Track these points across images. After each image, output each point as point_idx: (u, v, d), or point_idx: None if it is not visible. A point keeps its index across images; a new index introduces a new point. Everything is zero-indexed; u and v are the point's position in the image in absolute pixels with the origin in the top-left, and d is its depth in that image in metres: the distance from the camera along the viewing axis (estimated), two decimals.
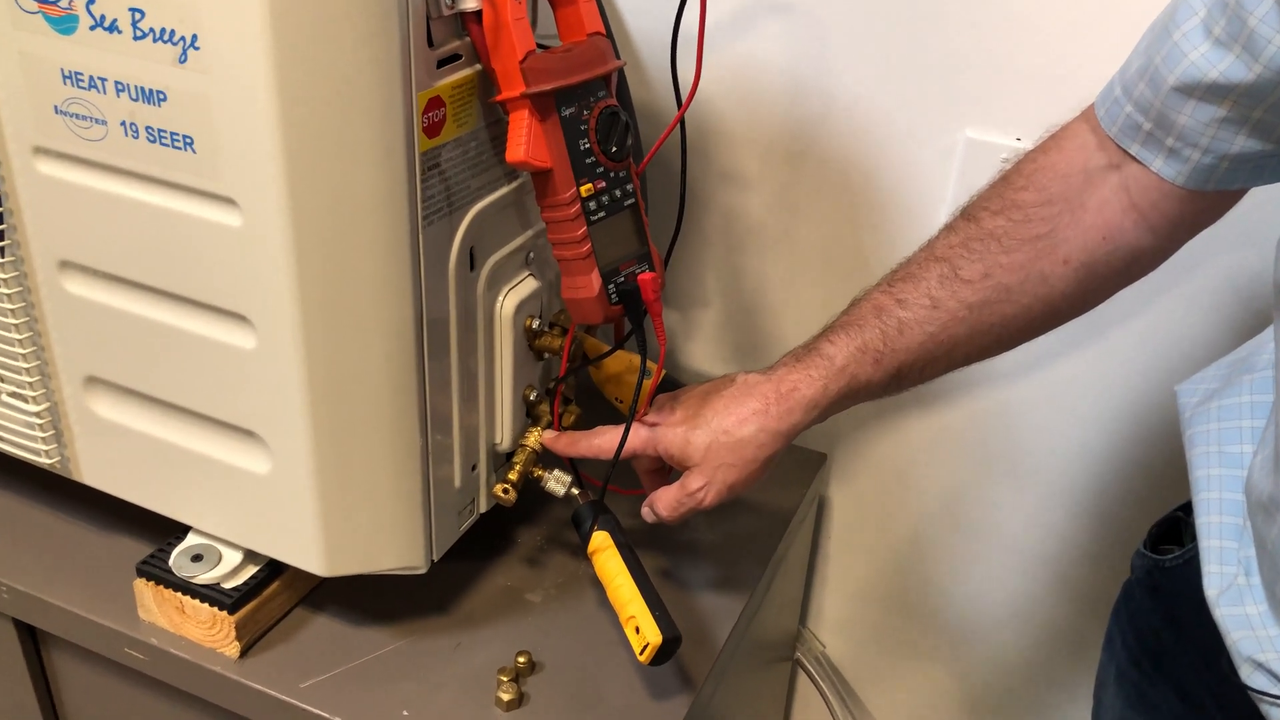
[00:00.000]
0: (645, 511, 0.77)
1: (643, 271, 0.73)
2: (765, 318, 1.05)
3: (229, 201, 0.63)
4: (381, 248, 0.65)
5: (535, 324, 0.80)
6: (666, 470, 0.80)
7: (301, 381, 0.68)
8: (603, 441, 0.77)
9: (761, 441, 0.71)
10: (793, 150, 0.94)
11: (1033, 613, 1.01)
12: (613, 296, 0.72)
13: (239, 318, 0.67)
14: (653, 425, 0.76)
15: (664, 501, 0.75)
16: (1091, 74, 0.77)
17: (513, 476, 0.81)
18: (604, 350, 0.83)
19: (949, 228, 0.68)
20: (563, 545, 0.90)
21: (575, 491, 0.82)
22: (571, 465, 0.83)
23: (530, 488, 0.83)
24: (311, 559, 0.74)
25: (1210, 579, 0.60)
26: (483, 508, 0.82)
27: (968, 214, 0.68)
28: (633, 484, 0.83)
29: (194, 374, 0.71)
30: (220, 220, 0.64)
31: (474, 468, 0.80)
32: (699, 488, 0.73)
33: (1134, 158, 0.61)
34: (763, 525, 0.93)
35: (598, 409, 0.87)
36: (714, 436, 0.72)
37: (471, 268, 0.72)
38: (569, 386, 0.84)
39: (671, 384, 0.89)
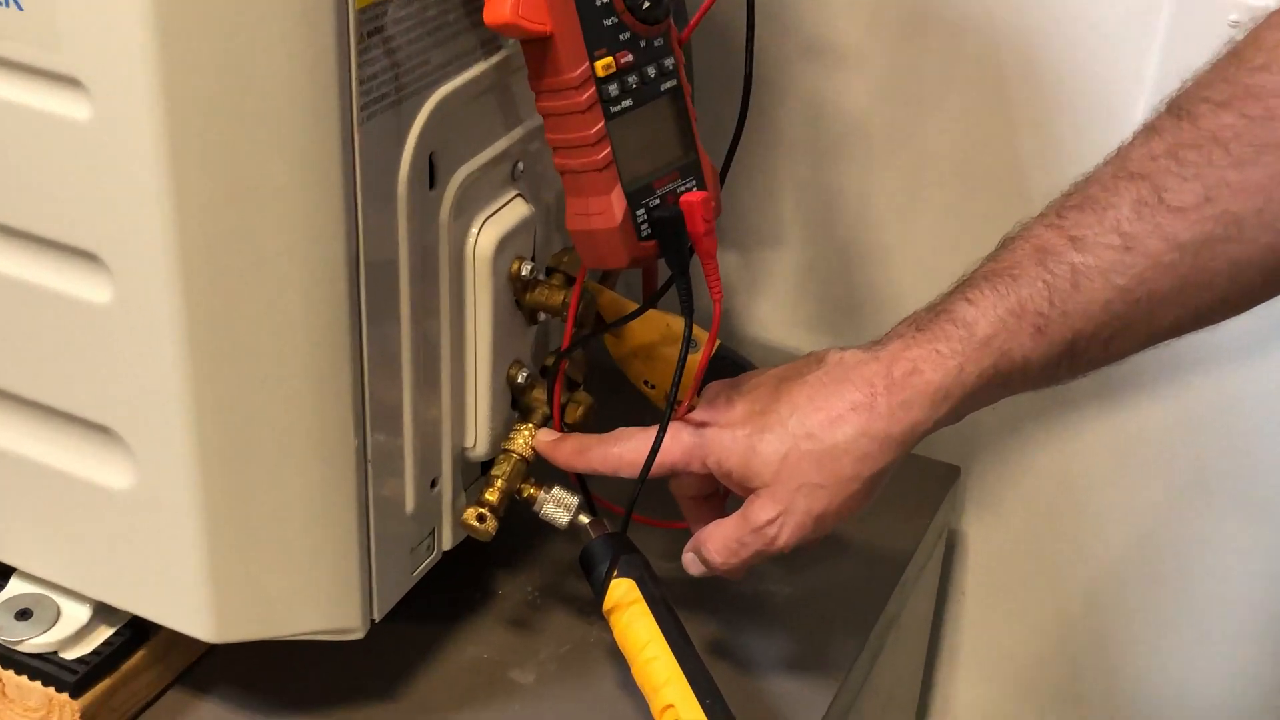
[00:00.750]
0: (689, 558, 0.79)
1: (688, 191, 0.73)
2: (870, 264, 1.05)
3: (72, 83, 0.63)
4: (296, 154, 0.65)
5: (526, 270, 0.80)
6: (721, 494, 0.82)
7: (178, 352, 0.68)
8: (625, 450, 0.78)
9: (864, 451, 0.72)
10: (914, 10, 0.95)
11: (1272, 704, 1.02)
12: (643, 228, 0.72)
13: (87, 256, 0.68)
14: (701, 426, 0.77)
15: (718, 541, 0.76)
16: None
17: (492, 497, 0.82)
18: (629, 310, 0.83)
19: (1150, 129, 0.69)
20: (566, 599, 0.91)
21: (585, 521, 0.83)
22: (580, 483, 0.84)
23: (518, 514, 0.84)
24: (194, 617, 0.75)
25: None
26: (447, 543, 0.83)
27: (1179, 108, 0.68)
28: (671, 513, 0.84)
29: (19, 341, 0.71)
30: (59, 111, 0.64)
31: (434, 484, 0.80)
32: (770, 520, 0.74)
33: None
34: (864, 574, 0.94)
35: (619, 399, 0.88)
36: (792, 443, 0.73)
37: (431, 185, 0.73)
38: (576, 364, 0.85)
39: (730, 365, 0.89)
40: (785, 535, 0.74)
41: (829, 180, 1.04)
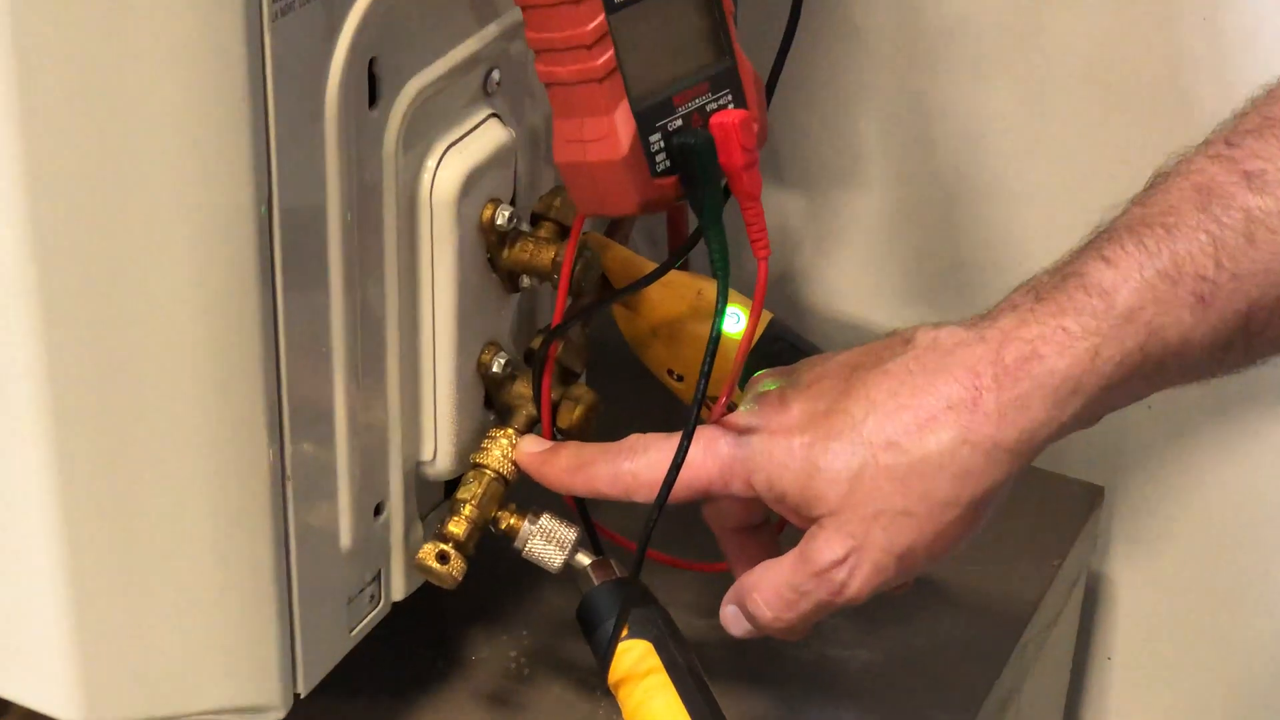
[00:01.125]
0: (730, 613, 0.80)
1: (721, 108, 0.73)
2: (978, 209, 1.05)
3: None
4: (182, 61, 0.66)
5: (504, 218, 0.80)
6: (773, 525, 0.83)
7: (27, 326, 0.69)
8: (640, 465, 0.79)
9: (965, 464, 0.73)
10: None
11: None
12: (659, 160, 0.72)
13: None
14: (745, 432, 0.78)
15: (770, 590, 0.77)
16: None
17: (458, 529, 0.82)
18: (645, 272, 0.83)
19: None
20: (560, 667, 0.91)
21: (585, 562, 0.84)
22: (579, 510, 0.85)
23: (495, 552, 0.84)
24: (57, 694, 0.76)
25: None
26: (399, 592, 0.84)
27: None
28: (704, 550, 0.85)
29: None
30: None
31: (379, 510, 0.82)
32: (838, 560, 0.75)
33: None
34: (970, 634, 0.93)
35: (633, 394, 0.88)
36: (868, 455, 0.74)
37: (372, 102, 0.73)
38: (573, 348, 0.85)
39: (784, 348, 0.89)
40: (859, 580, 0.75)
41: (923, 94, 1.04)
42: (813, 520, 0.76)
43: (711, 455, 0.78)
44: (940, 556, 0.75)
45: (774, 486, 0.76)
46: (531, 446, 0.83)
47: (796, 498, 0.76)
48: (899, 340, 0.77)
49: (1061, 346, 0.72)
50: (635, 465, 0.79)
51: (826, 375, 0.78)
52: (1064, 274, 0.73)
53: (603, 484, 0.80)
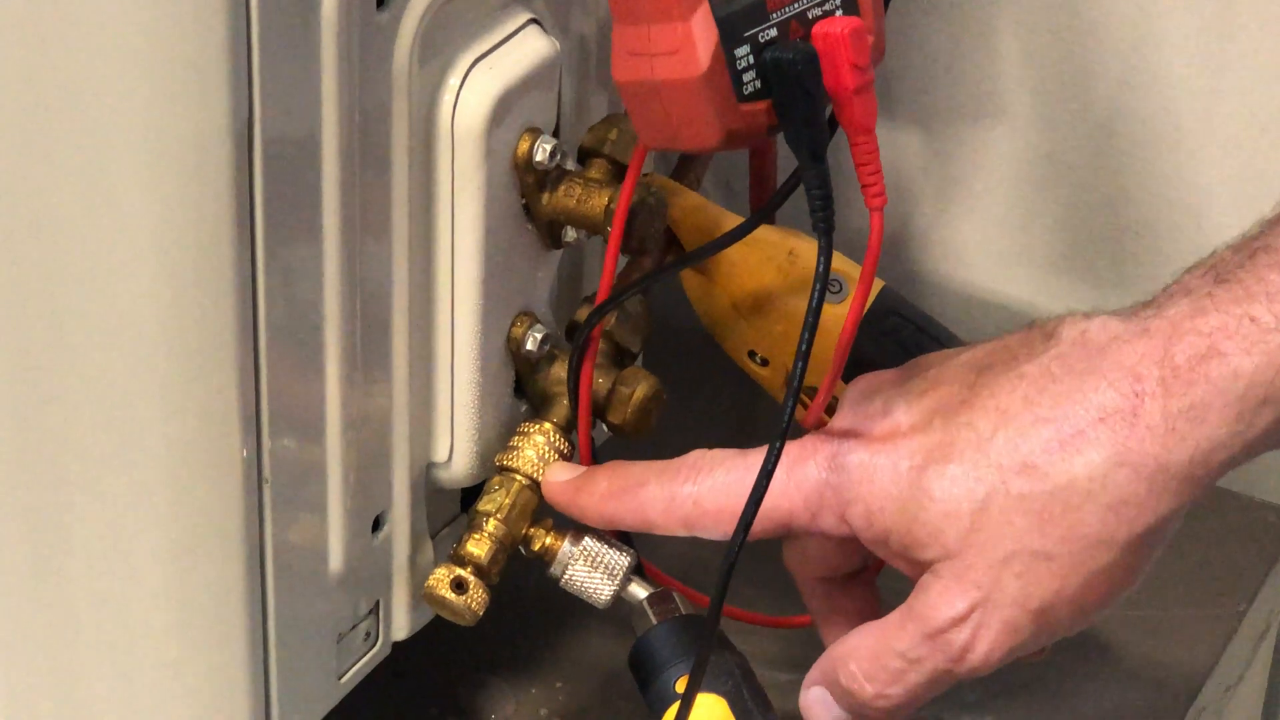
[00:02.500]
0: (813, 697, 0.80)
1: (826, 15, 0.73)
2: (1149, 159, 1.06)
3: None
4: None
5: (544, 153, 0.81)
6: (870, 574, 0.84)
7: None
8: (703, 490, 0.80)
9: (1122, 492, 0.73)
10: None
11: None
12: (747, 80, 0.72)
13: None
14: (838, 451, 0.78)
15: (870, 659, 0.77)
16: None
17: (478, 550, 0.83)
18: (723, 227, 0.85)
19: None
20: None
21: (641, 594, 0.85)
22: (625, 539, 0.86)
23: (526, 580, 0.85)
24: None
25: None
26: (402, 630, 0.85)
27: None
28: (780, 600, 0.87)
29: None
30: None
31: (379, 524, 0.82)
32: (958, 618, 0.75)
33: None
34: (1131, 700, 0.93)
35: (703, 385, 0.91)
36: (997, 481, 0.74)
37: (380, 2, 0.74)
38: (626, 322, 0.86)
39: (902, 329, 0.90)
40: (986, 644, 0.75)
41: (1081, 14, 1.04)
42: (925, 566, 0.76)
43: (795, 479, 0.77)
44: (1090, 613, 0.75)
45: (874, 522, 0.76)
46: (561, 475, 0.83)
47: (903, 537, 0.76)
48: (1038, 334, 0.76)
49: (1249, 342, 0.71)
50: (699, 489, 0.79)
51: (944, 379, 0.77)
52: (1252, 249, 0.73)
53: (655, 512, 0.80)
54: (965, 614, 0.74)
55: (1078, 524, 0.72)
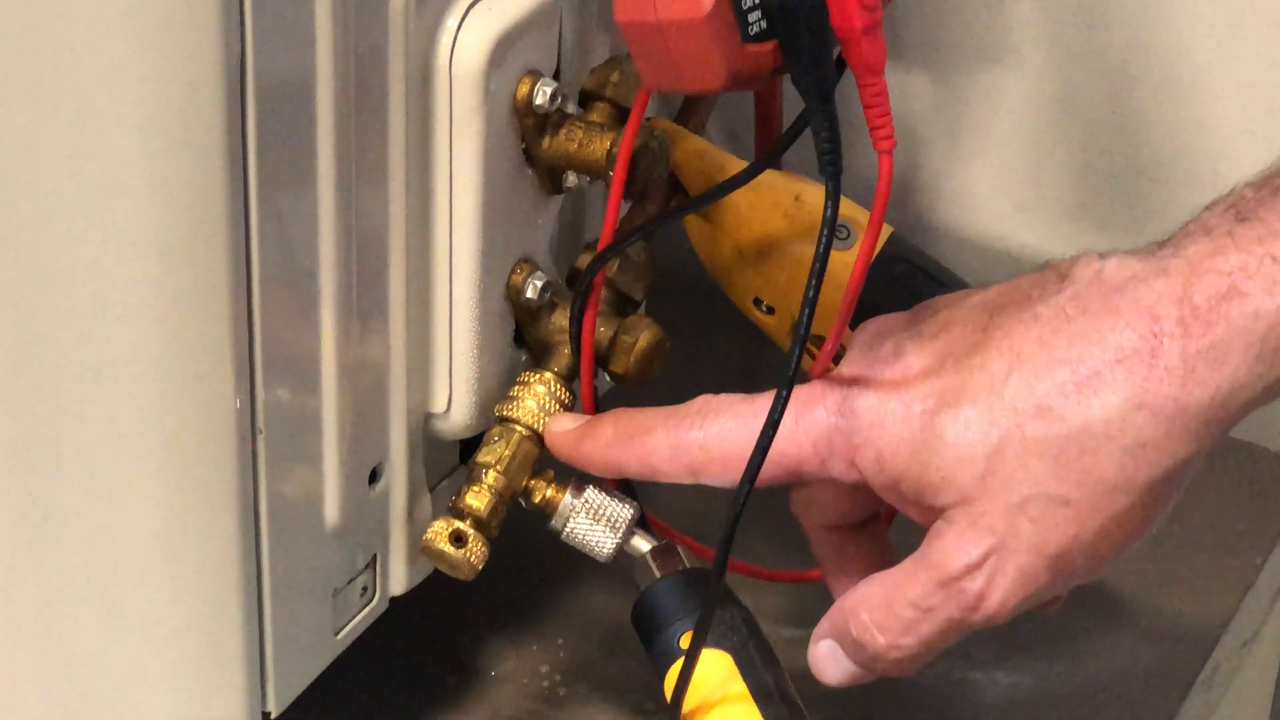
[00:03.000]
0: (822, 651, 0.80)
1: None
2: (1167, 100, 1.06)
3: None
4: None
5: (544, 96, 0.81)
6: (881, 522, 0.84)
7: None
8: (709, 436, 0.79)
9: (1140, 435, 0.72)
10: None
11: None
12: (752, 19, 0.72)
13: None
14: (848, 395, 0.77)
15: (881, 608, 0.77)
16: None
17: (478, 503, 0.83)
18: (728, 171, 0.85)
19: None
20: (608, 684, 0.92)
21: (644, 548, 0.84)
22: (628, 490, 0.85)
23: (526, 533, 0.84)
24: None
25: None
26: (400, 585, 0.85)
27: None
28: (787, 553, 0.87)
29: None
30: None
31: (375, 477, 0.82)
32: (972, 565, 0.74)
33: None
34: (1145, 654, 0.94)
35: (707, 333, 0.91)
36: (1011, 424, 0.74)
37: None
38: (629, 269, 0.86)
39: (912, 276, 0.89)
40: (1001, 591, 0.74)
41: None
42: (937, 513, 0.75)
43: (804, 424, 0.77)
44: (1106, 559, 0.74)
45: (885, 467, 0.76)
46: (564, 424, 0.83)
47: (915, 482, 0.75)
48: (1053, 274, 0.76)
49: (1270, 282, 0.70)
50: (705, 434, 0.79)
51: (956, 321, 0.77)
52: (1274, 185, 0.72)
53: (660, 459, 0.79)
54: (980, 561, 0.73)
55: (1095, 467, 0.72)
